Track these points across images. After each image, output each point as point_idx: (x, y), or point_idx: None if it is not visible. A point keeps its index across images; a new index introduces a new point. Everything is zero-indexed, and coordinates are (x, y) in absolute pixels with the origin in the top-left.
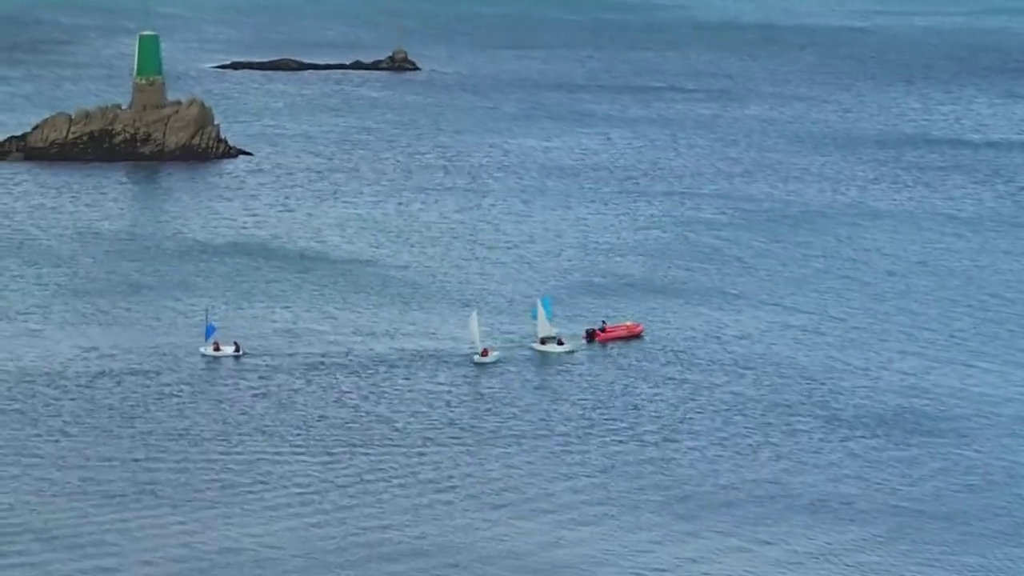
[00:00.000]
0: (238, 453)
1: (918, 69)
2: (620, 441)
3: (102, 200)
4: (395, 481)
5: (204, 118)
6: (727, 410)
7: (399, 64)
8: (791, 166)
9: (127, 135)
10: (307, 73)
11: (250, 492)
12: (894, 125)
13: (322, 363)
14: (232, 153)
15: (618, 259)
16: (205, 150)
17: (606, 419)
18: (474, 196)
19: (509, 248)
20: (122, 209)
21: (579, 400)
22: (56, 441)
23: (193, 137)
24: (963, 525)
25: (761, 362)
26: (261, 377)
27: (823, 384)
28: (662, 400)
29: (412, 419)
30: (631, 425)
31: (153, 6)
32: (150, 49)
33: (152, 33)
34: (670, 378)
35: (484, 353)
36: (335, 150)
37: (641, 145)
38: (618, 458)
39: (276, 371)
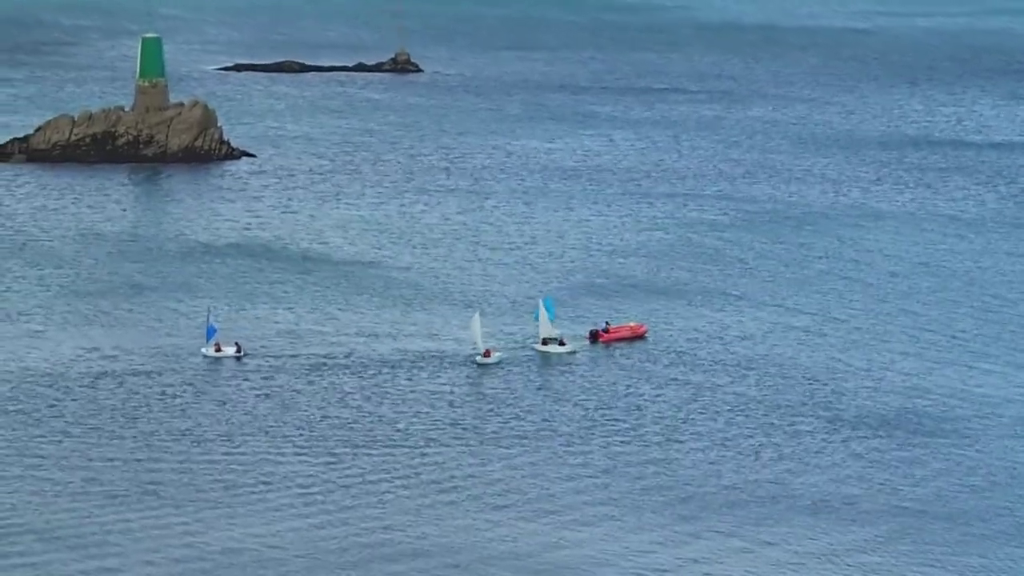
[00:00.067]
0: (240, 453)
1: (921, 70)
2: (622, 442)
3: (105, 202)
4: (397, 482)
5: (207, 120)
6: (730, 411)
7: (401, 66)
8: (794, 167)
9: (130, 137)
10: (310, 75)
11: (253, 492)
12: (896, 126)
13: (324, 364)
14: (235, 155)
15: (621, 260)
16: (208, 152)
17: (608, 420)
18: (476, 197)
19: (512, 249)
20: (124, 211)
21: (581, 401)
22: (58, 441)
23: (196, 139)
24: (965, 526)
25: (764, 363)
26: (264, 378)
27: (825, 385)
28: (664, 401)
29: (414, 420)
30: (633, 426)
31: (155, 8)
32: (153, 51)
33: (155, 35)
34: (672, 379)
35: (486, 354)
36: (338, 152)
37: (644, 146)
38: (620, 459)
39: (278, 372)
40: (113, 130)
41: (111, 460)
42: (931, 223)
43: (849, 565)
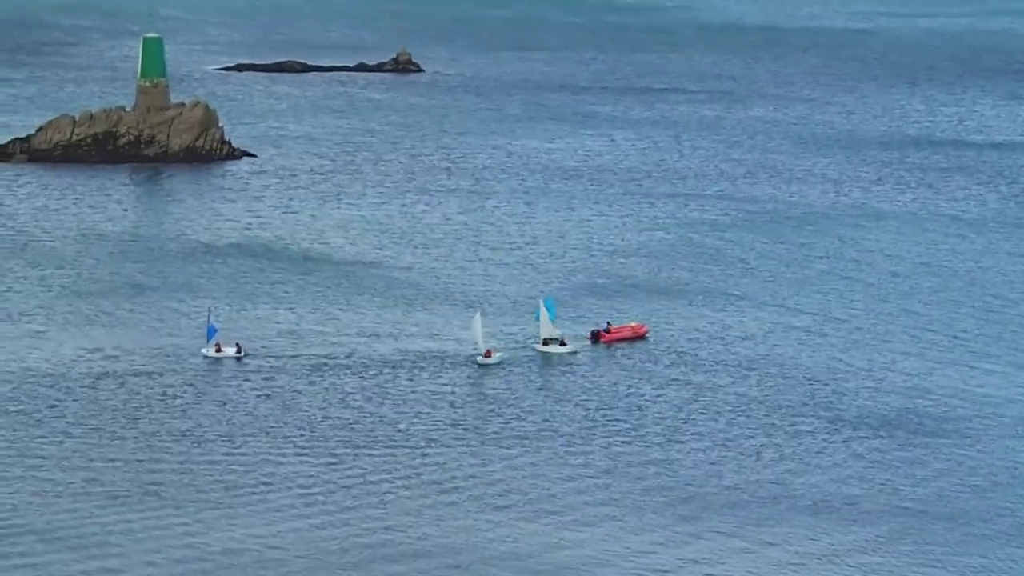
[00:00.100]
0: (241, 454)
1: (922, 71)
2: (624, 442)
3: (106, 202)
4: (398, 482)
5: (208, 120)
6: (731, 411)
7: (403, 66)
8: (795, 167)
9: (131, 137)
10: (311, 75)
11: (253, 493)
12: (898, 127)
13: (325, 364)
14: (236, 155)
15: (622, 260)
16: (209, 152)
17: (609, 420)
18: (477, 197)
19: (512, 249)
20: (126, 211)
21: (582, 401)
22: (59, 442)
23: (197, 139)
24: (967, 526)
25: (765, 363)
26: (264, 378)
27: (827, 385)
28: (666, 401)
29: (415, 420)
30: (635, 426)
31: (156, 8)
32: (154, 51)
33: (156, 35)
34: (674, 379)
35: (487, 354)
36: (339, 152)
37: (644, 147)
38: (621, 459)
39: (279, 372)
40: (114, 130)
41: (112, 461)
42: (932, 223)
43: (850, 566)
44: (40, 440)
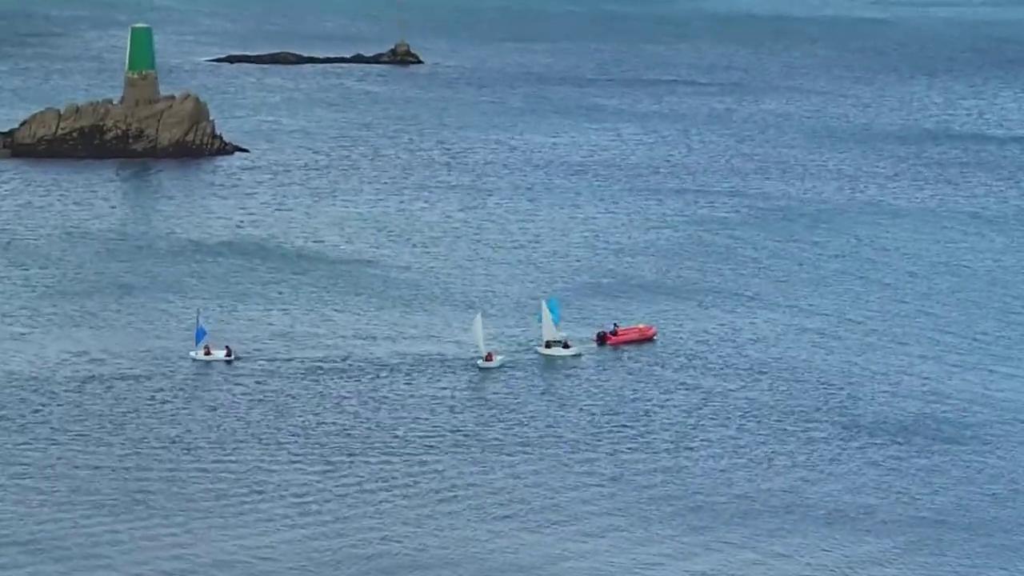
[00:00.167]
0: (232, 461)
1: (940, 62)
2: (630, 449)
3: (92, 198)
4: (396, 491)
5: (198, 113)
6: (741, 417)
7: (401, 57)
8: (807, 162)
9: (118, 131)
10: (306, 67)
11: (245, 502)
12: (915, 120)
13: (319, 368)
14: (227, 150)
15: (628, 259)
16: (199, 147)
17: (616, 426)
18: (478, 194)
19: (515, 248)
20: (113, 208)
21: (587, 406)
22: (43, 449)
23: (187, 133)
24: (987, 536)
25: (777, 366)
26: (257, 382)
27: (841, 389)
28: (674, 406)
29: (413, 426)
30: (642, 432)
31: None
32: (142, 42)
33: (145, 25)
34: (682, 383)
35: (488, 357)
36: (334, 146)
37: (652, 141)
38: (628, 467)
39: (271, 376)
40: (101, 124)
41: (98, 468)
42: (951, 220)
43: None
44: (23, 447)
